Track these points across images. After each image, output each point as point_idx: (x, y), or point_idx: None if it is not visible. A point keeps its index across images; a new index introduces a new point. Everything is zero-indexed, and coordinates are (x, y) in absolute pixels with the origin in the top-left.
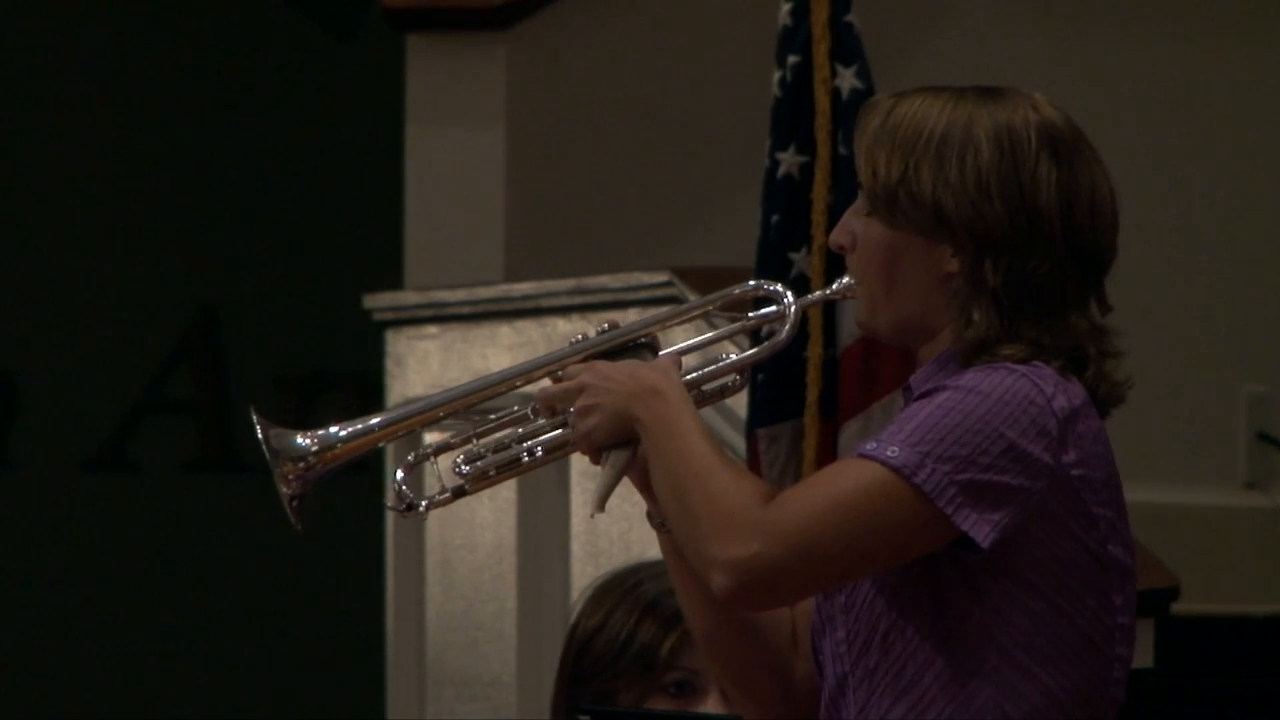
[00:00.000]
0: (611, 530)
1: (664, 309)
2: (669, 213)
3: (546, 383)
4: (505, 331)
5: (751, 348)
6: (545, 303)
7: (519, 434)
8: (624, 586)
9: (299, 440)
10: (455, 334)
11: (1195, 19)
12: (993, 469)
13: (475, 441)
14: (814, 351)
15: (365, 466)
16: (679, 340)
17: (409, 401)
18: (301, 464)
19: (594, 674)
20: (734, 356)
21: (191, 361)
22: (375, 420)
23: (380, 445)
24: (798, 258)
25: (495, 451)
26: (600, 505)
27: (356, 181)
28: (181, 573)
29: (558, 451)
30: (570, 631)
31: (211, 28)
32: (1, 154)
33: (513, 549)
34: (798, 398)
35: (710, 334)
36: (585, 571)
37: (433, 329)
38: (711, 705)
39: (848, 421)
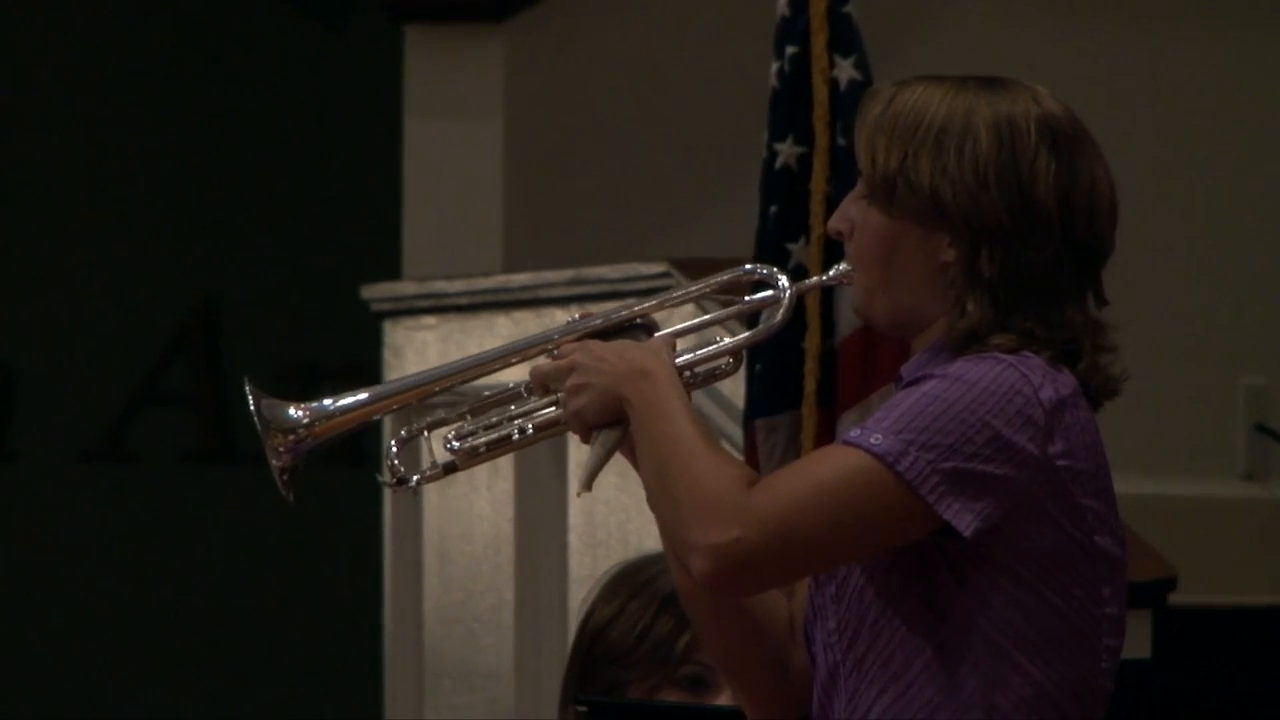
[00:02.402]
0: (609, 521)
1: (662, 291)
2: (667, 203)
3: (542, 360)
4: (503, 322)
5: (747, 331)
6: (543, 294)
7: (512, 411)
8: (641, 578)
9: (291, 412)
10: (453, 325)
11: (1196, 12)
12: (977, 458)
13: (468, 418)
14: (812, 342)
15: (363, 457)
16: (676, 323)
17: (404, 376)
18: (292, 436)
19: (607, 663)
20: (728, 339)
21: (190, 353)
22: (367, 394)
23: (374, 419)
24: (795, 248)
25: (487, 428)
26: (587, 484)
27: (355, 173)
28: (180, 564)
29: (549, 430)
30: (583, 620)
31: (209, 20)
32: (0, 147)
33: (510, 540)
34: (796, 388)
35: (706, 317)
36: (583, 563)
37: (431, 320)
38: (724, 701)
39: (846, 412)
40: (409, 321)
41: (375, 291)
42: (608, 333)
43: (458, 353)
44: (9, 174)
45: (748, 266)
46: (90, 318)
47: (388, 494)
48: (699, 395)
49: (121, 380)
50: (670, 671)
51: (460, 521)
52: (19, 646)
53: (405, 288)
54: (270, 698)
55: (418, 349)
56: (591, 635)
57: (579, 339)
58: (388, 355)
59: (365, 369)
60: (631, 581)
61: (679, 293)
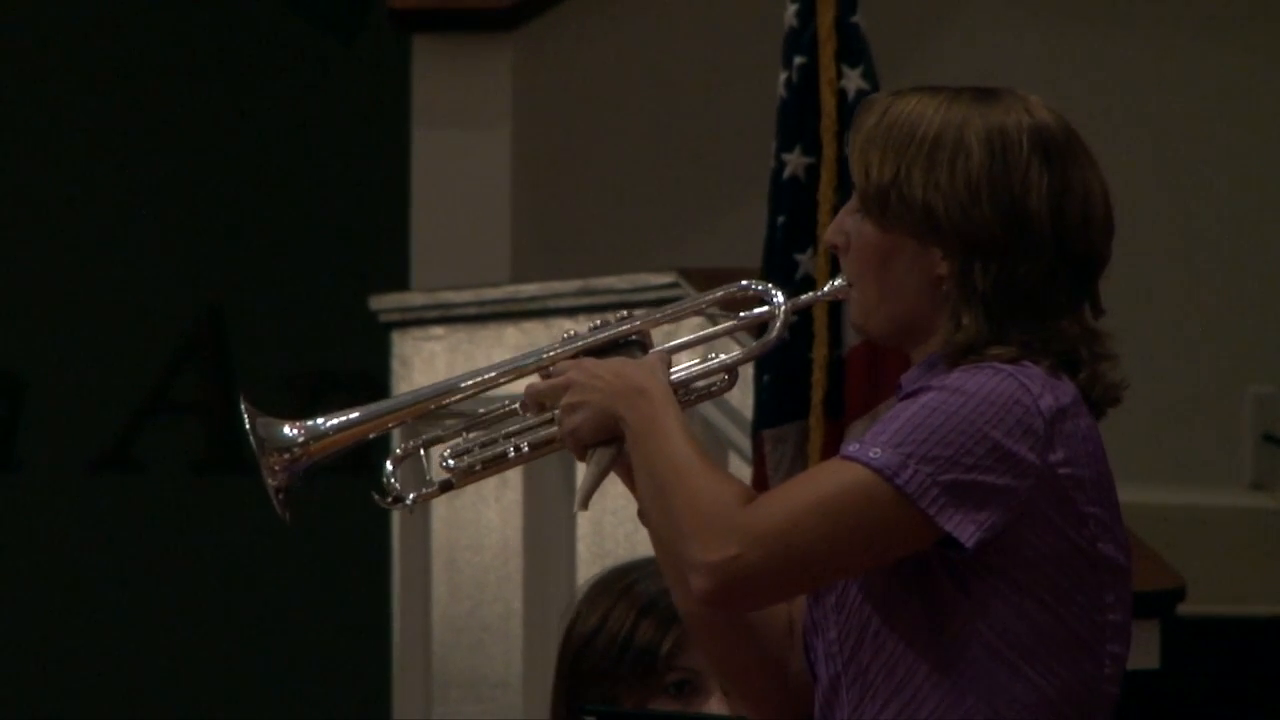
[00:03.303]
0: (617, 532)
1: (668, 301)
2: (675, 213)
3: (537, 378)
4: (511, 333)
5: (742, 347)
6: (552, 304)
7: (508, 429)
8: (620, 585)
9: (286, 430)
10: (461, 335)
11: (1202, 20)
12: (977, 469)
13: (464, 435)
14: (819, 352)
15: (370, 467)
16: (671, 339)
17: (398, 395)
18: (287, 455)
19: (595, 678)
20: (723, 356)
21: (198, 363)
22: (359, 413)
23: (370, 437)
24: (803, 259)
25: (483, 446)
26: (583, 503)
27: (363, 183)
28: (188, 573)
29: (544, 448)
30: (566, 632)
31: (218, 30)
32: (7, 155)
33: (519, 550)
34: (803, 399)
35: (701, 333)
36: (591, 572)
37: (439, 330)
38: (714, 704)
39: (853, 422)
40: (417, 332)
41: (383, 302)
42: (602, 349)
43: (466, 363)
44: (17, 183)
45: (743, 282)
46: (97, 327)
47: None
48: (707, 404)
49: (129, 389)
50: (657, 680)
51: (469, 531)
52: (26, 655)
53: (413, 298)
54: (279, 707)
55: (426, 359)
56: (576, 650)
57: (573, 356)
58: (396, 365)
59: (373, 379)
60: (611, 590)
61: (673, 308)
